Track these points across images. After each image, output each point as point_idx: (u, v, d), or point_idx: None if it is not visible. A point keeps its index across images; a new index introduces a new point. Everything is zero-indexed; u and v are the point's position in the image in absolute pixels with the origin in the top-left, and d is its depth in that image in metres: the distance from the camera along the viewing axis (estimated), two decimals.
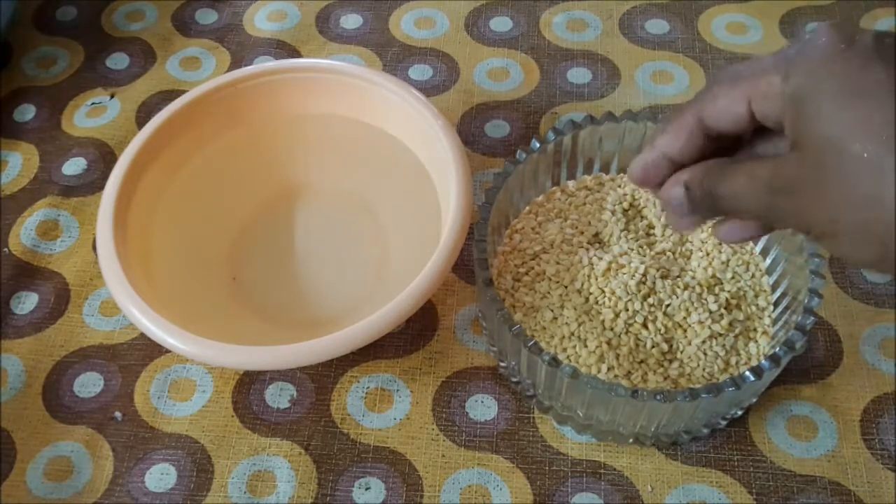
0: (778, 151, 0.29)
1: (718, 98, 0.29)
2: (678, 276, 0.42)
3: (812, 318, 0.37)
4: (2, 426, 0.43)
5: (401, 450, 0.42)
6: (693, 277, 0.42)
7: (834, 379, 0.43)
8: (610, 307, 0.41)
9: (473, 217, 0.41)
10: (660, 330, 0.40)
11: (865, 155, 0.24)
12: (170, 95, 0.56)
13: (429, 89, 0.56)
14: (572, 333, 0.40)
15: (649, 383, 0.39)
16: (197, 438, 0.42)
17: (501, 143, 0.53)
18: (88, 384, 0.44)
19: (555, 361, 0.36)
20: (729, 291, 0.41)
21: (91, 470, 0.42)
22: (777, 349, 0.36)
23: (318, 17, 0.61)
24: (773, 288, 0.42)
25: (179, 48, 0.60)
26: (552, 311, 0.41)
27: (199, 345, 0.37)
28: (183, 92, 0.48)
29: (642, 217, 0.45)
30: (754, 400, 0.40)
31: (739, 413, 0.41)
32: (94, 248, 0.47)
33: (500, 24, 0.60)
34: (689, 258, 0.43)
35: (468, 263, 0.48)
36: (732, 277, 0.42)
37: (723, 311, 0.41)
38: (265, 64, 0.49)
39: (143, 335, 0.43)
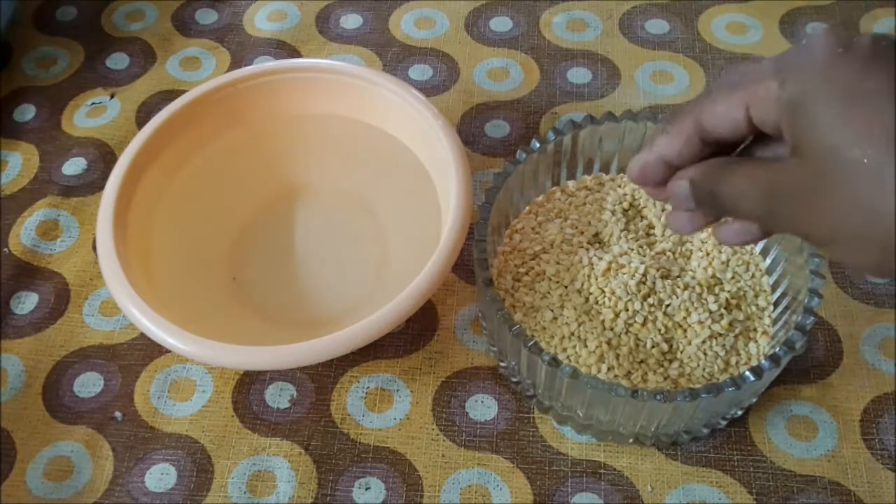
0: (777, 157, 0.29)
1: (717, 104, 0.29)
2: (678, 276, 0.42)
3: (812, 318, 0.37)
4: (2, 426, 0.43)
5: (401, 450, 0.42)
6: (693, 277, 0.42)
7: (834, 379, 0.43)
8: (610, 307, 0.41)
9: (473, 217, 0.41)
10: (660, 330, 0.40)
11: (865, 161, 0.24)
12: (170, 95, 0.56)
13: (429, 89, 0.56)
14: (572, 333, 0.40)
15: (649, 383, 0.39)
16: (197, 438, 0.42)
17: (501, 143, 0.53)
18: (88, 384, 0.44)
19: (555, 361, 0.36)
20: (729, 291, 0.41)
21: (91, 470, 0.42)
22: (777, 349, 0.36)
23: (318, 17, 0.61)
24: (773, 288, 0.42)
25: (179, 48, 0.60)
26: (552, 311, 0.41)
27: (199, 345, 0.37)
28: (183, 92, 0.48)
29: (642, 217, 0.45)
30: (754, 400, 0.40)
31: (739, 413, 0.41)
32: (94, 248, 0.47)
33: (500, 24, 0.60)
34: (689, 258, 0.43)
35: (468, 263, 0.48)
36: (732, 277, 0.42)
37: (723, 311, 0.41)
38: (265, 64, 0.49)
39: (143, 335, 0.43)
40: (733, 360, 0.40)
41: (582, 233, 0.44)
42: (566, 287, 0.42)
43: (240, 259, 0.48)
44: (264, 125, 0.49)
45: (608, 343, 0.40)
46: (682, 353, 0.40)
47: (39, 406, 0.44)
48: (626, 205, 0.45)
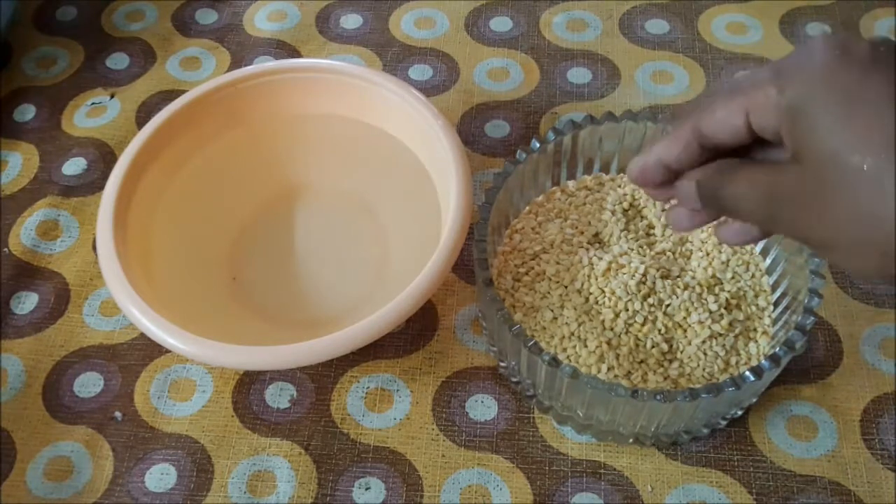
0: (778, 161, 0.29)
1: (716, 110, 0.29)
2: (678, 276, 0.42)
3: (812, 318, 0.37)
4: (2, 426, 0.43)
5: (401, 450, 0.42)
6: (693, 277, 0.42)
7: (834, 379, 0.43)
8: (610, 307, 0.41)
9: (473, 217, 0.41)
10: (660, 330, 0.40)
11: (865, 168, 0.24)
12: (170, 95, 0.56)
13: (429, 89, 0.56)
14: (572, 333, 0.40)
15: (649, 383, 0.39)
16: (197, 438, 0.42)
17: (501, 143, 0.53)
18: (88, 384, 0.44)
19: (555, 361, 0.36)
20: (729, 291, 0.41)
21: (91, 470, 0.42)
22: (777, 349, 0.36)
23: (318, 17, 0.61)
24: (773, 288, 0.42)
25: (179, 48, 0.60)
26: (552, 311, 0.41)
27: (199, 345, 0.37)
28: (183, 92, 0.48)
29: (642, 217, 0.45)
30: (754, 400, 0.40)
31: (739, 413, 0.41)
32: (94, 248, 0.47)
33: (500, 24, 0.60)
34: (689, 258, 0.43)
35: (468, 263, 0.48)
36: (732, 277, 0.42)
37: (723, 311, 0.41)
38: (265, 64, 0.49)
39: (143, 335, 0.43)
40: (733, 360, 0.40)
41: (582, 233, 0.44)
42: (566, 287, 0.42)
43: (240, 259, 0.48)
44: (264, 125, 0.49)
45: (608, 343, 0.40)
46: (682, 353, 0.40)
47: (39, 406, 0.44)
48: (626, 205, 0.45)
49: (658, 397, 0.35)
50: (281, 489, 0.41)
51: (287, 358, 0.37)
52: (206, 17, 0.62)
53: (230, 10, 0.62)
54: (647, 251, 0.43)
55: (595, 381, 0.35)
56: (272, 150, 0.50)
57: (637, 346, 0.40)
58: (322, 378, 0.44)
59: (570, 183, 0.47)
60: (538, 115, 0.54)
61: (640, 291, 0.41)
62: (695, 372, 0.40)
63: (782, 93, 0.26)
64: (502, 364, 0.42)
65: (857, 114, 0.24)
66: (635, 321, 0.40)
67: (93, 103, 0.56)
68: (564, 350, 0.40)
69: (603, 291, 0.41)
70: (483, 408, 0.43)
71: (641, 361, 0.40)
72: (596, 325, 0.40)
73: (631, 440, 0.40)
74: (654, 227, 0.45)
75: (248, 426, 0.43)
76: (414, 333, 0.45)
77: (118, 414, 0.43)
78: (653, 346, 0.40)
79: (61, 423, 0.43)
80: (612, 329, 0.40)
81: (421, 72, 0.57)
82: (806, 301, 0.37)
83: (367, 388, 0.44)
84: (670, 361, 0.40)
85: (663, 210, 0.44)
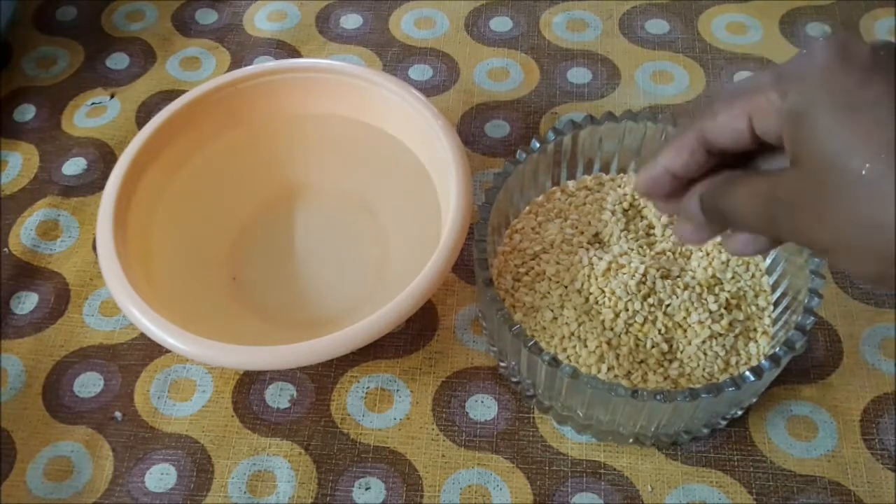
0: (780, 169, 0.29)
1: (718, 114, 0.29)
2: (678, 276, 0.42)
3: (812, 318, 0.37)
4: (2, 426, 0.43)
5: (401, 450, 0.42)
6: (693, 277, 0.42)
7: (834, 379, 0.43)
8: (610, 307, 0.41)
9: (473, 217, 0.41)
10: (660, 330, 0.40)
11: (864, 173, 0.24)
12: (170, 95, 0.56)
13: (429, 89, 0.56)
14: (572, 333, 0.40)
15: (649, 383, 0.39)
16: (197, 438, 0.42)
17: (501, 143, 0.53)
18: (88, 384, 0.44)
19: (555, 361, 0.36)
20: (729, 291, 0.41)
21: (91, 470, 0.42)
22: (777, 349, 0.36)
23: (318, 17, 0.61)
24: (773, 288, 0.42)
25: (179, 48, 0.60)
26: (552, 311, 0.41)
27: (199, 345, 0.37)
28: (183, 92, 0.48)
29: (642, 217, 0.45)
30: (754, 400, 0.40)
31: (739, 413, 0.41)
32: (94, 248, 0.47)
33: (500, 24, 0.60)
34: (689, 258, 0.43)
35: (468, 263, 0.48)
36: (732, 277, 0.42)
37: (723, 311, 0.41)
38: (265, 64, 0.49)
39: (143, 335, 0.43)
40: (733, 360, 0.40)
41: (582, 233, 0.44)
42: (566, 287, 0.42)
43: (240, 259, 0.48)
44: (264, 125, 0.49)
45: (608, 343, 0.40)
46: (682, 353, 0.40)
47: (39, 406, 0.44)
48: (626, 205, 0.45)
49: (658, 397, 0.35)
50: (281, 489, 0.41)
51: (287, 358, 0.37)
52: (206, 17, 0.62)
53: (230, 10, 0.62)
54: (647, 251, 0.43)
55: (595, 381, 0.35)
56: (272, 150, 0.50)
57: (637, 346, 0.40)
58: (322, 378, 0.44)
59: (570, 183, 0.47)
60: (538, 115, 0.54)
61: (640, 291, 0.41)
62: (695, 372, 0.40)
63: (784, 97, 0.26)
64: (502, 364, 0.42)
65: (858, 118, 0.24)
66: (635, 321, 0.40)
67: (93, 103, 0.56)
68: (564, 350, 0.40)
69: (603, 291, 0.41)
70: (483, 408, 0.43)
71: (641, 361, 0.40)
72: (596, 325, 0.40)
73: (631, 440, 0.40)
74: (654, 227, 0.45)
75: (248, 426, 0.43)
76: (414, 333, 0.45)
77: (118, 414, 0.43)
78: (653, 346, 0.40)
79: (61, 423, 0.43)
80: (612, 329, 0.40)
81: (421, 72, 0.57)
82: (806, 301, 0.37)
83: (367, 388, 0.44)
84: (670, 361, 0.40)
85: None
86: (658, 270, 0.41)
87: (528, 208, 0.46)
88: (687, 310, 0.40)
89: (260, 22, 0.61)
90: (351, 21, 0.61)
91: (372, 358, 0.45)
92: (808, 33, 0.58)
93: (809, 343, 0.44)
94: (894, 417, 0.42)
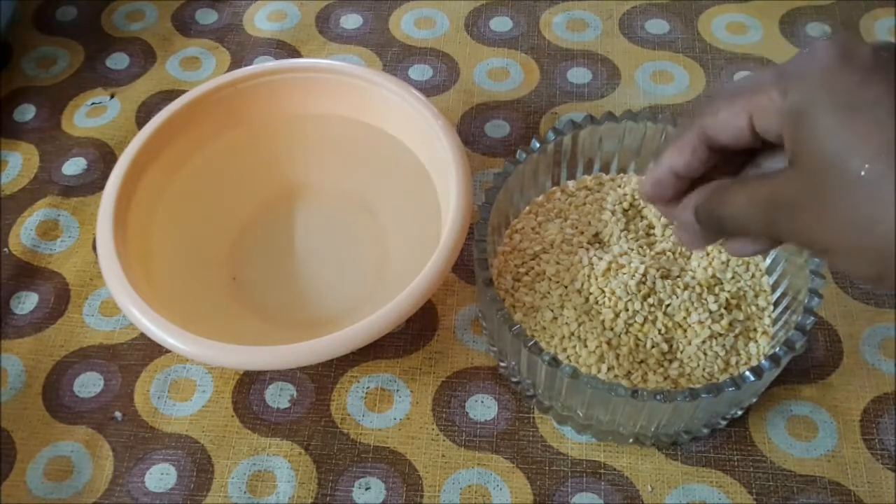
0: (777, 170, 0.29)
1: (720, 112, 0.29)
2: (678, 276, 0.42)
3: (812, 318, 0.37)
4: (2, 426, 0.43)
5: (401, 450, 0.42)
6: (693, 277, 0.42)
7: (834, 379, 0.43)
8: (610, 307, 0.41)
9: (473, 217, 0.41)
10: (660, 330, 0.40)
11: (863, 174, 0.24)
12: (170, 95, 0.56)
13: (429, 89, 0.56)
14: (572, 333, 0.40)
15: (649, 383, 0.39)
16: (197, 438, 0.42)
17: (501, 143, 0.53)
18: (88, 384, 0.44)
19: (555, 361, 0.36)
20: (729, 291, 0.41)
21: (91, 470, 0.42)
22: (777, 349, 0.36)
23: (318, 17, 0.61)
24: (773, 288, 0.42)
25: (179, 48, 0.60)
26: (552, 311, 0.41)
27: (199, 345, 0.37)
28: (183, 92, 0.48)
29: (642, 217, 0.45)
30: (754, 400, 0.40)
31: (739, 413, 0.41)
32: (94, 248, 0.47)
33: (500, 24, 0.60)
34: (689, 258, 0.43)
35: (468, 263, 0.48)
36: (732, 277, 0.42)
37: (723, 311, 0.41)
38: (265, 64, 0.49)
39: (143, 335, 0.43)
40: (733, 360, 0.40)
41: (582, 233, 0.44)
42: (566, 287, 0.42)
43: (240, 259, 0.48)
44: (264, 125, 0.49)
45: (608, 343, 0.40)
46: (682, 353, 0.40)
47: (39, 406, 0.44)
48: (626, 205, 0.45)
49: (658, 397, 0.35)
50: (281, 489, 0.41)
51: (287, 358, 0.37)
52: (206, 17, 0.62)
53: (230, 10, 0.62)
54: (647, 251, 0.43)
55: (595, 381, 0.35)
56: (272, 150, 0.50)
57: (637, 346, 0.40)
58: (322, 378, 0.44)
59: (570, 183, 0.47)
60: (538, 115, 0.54)
61: (640, 291, 0.41)
62: (695, 372, 0.40)
63: (785, 96, 0.26)
64: (502, 364, 0.42)
65: (858, 118, 0.24)
66: (635, 321, 0.40)
67: (93, 103, 0.56)
68: (564, 350, 0.40)
69: (603, 291, 0.41)
70: (483, 408, 0.43)
71: (641, 361, 0.40)
72: (596, 325, 0.40)
73: (631, 440, 0.40)
74: (654, 227, 0.45)
75: (248, 426, 0.43)
76: (414, 333, 0.45)
77: (118, 414, 0.43)
78: (653, 346, 0.40)
79: (61, 423, 0.43)
80: (612, 329, 0.40)
81: (421, 72, 0.57)
82: (806, 301, 0.37)
83: (367, 388, 0.44)
84: (670, 361, 0.40)
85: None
86: (658, 270, 0.41)
87: (528, 208, 0.46)
88: (687, 310, 0.40)
89: (260, 22, 0.61)
90: (351, 21, 0.61)
91: (372, 358, 0.45)
92: (808, 33, 0.58)
93: (809, 343, 0.44)
94: (894, 417, 0.42)
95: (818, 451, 0.41)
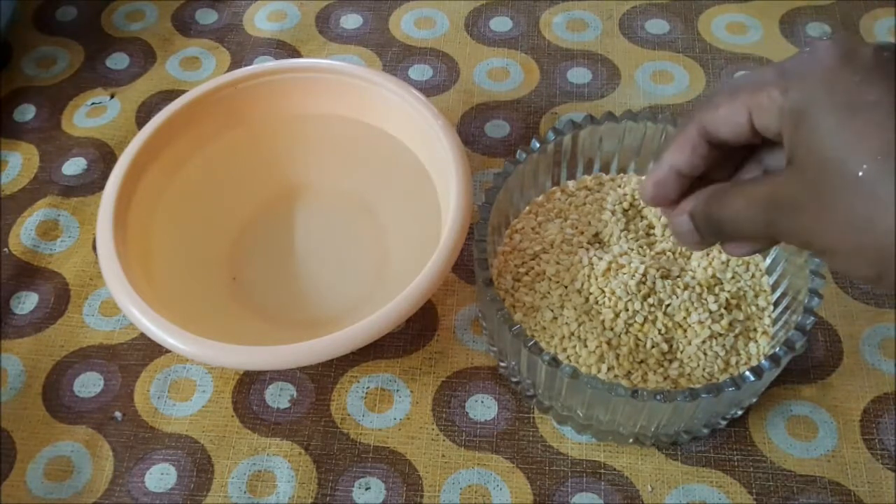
0: (775, 171, 0.29)
1: (719, 107, 0.29)
2: (678, 276, 0.42)
3: (812, 318, 0.37)
4: (2, 426, 0.43)
5: (401, 450, 0.42)
6: (693, 277, 0.42)
7: (834, 379, 0.43)
8: (610, 307, 0.41)
9: (473, 217, 0.41)
10: (660, 330, 0.40)
11: (860, 174, 0.24)
12: (170, 95, 0.56)
13: (429, 89, 0.56)
14: (572, 333, 0.40)
15: (649, 383, 0.39)
16: (197, 438, 0.42)
17: (501, 143, 0.53)
18: (88, 384, 0.44)
19: (555, 361, 0.36)
20: (729, 291, 0.41)
21: (91, 470, 0.42)
22: (777, 349, 0.36)
23: (318, 17, 0.61)
24: (773, 288, 0.42)
25: (179, 48, 0.60)
26: (552, 311, 0.41)
27: (199, 345, 0.37)
28: (183, 92, 0.48)
29: (642, 217, 0.45)
30: (754, 400, 0.40)
31: (739, 413, 0.41)
32: (94, 248, 0.47)
33: (500, 24, 0.60)
34: (689, 258, 0.43)
35: (468, 263, 0.48)
36: (732, 277, 0.42)
37: (723, 311, 0.41)
38: (265, 64, 0.49)
39: (143, 335, 0.43)
40: (733, 360, 0.40)
41: (582, 233, 0.44)
42: (566, 287, 0.42)
43: (240, 259, 0.48)
44: (264, 125, 0.49)
45: (608, 343, 0.40)
46: (682, 353, 0.40)
47: (39, 406, 0.44)
48: (626, 205, 0.45)
49: (658, 397, 0.35)
50: (281, 489, 0.41)
51: (287, 358, 0.37)
52: (206, 17, 0.62)
53: (230, 10, 0.62)
54: (647, 251, 0.43)
55: (595, 381, 0.35)
56: (272, 150, 0.50)
57: (637, 346, 0.40)
58: (322, 378, 0.44)
59: (570, 183, 0.47)
60: (538, 115, 0.54)
61: (640, 291, 0.41)
62: (695, 372, 0.40)
63: (785, 95, 0.26)
64: (502, 364, 0.42)
65: (857, 119, 0.24)
66: (635, 321, 0.40)
67: (93, 103, 0.56)
68: (564, 350, 0.40)
69: (603, 291, 0.41)
70: (483, 408, 0.43)
71: (641, 361, 0.40)
72: (596, 325, 0.40)
73: (631, 440, 0.40)
74: (654, 227, 0.45)
75: (248, 426, 0.43)
76: (414, 333, 0.45)
77: (118, 414, 0.43)
78: (653, 346, 0.40)
79: (61, 423, 0.43)
80: (612, 329, 0.40)
81: (421, 72, 0.57)
82: (806, 301, 0.37)
83: (367, 388, 0.44)
84: (670, 361, 0.40)
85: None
86: (658, 270, 0.41)
87: (528, 208, 0.46)
88: (687, 310, 0.40)
89: (260, 22, 0.61)
90: (351, 21, 0.61)
91: (372, 358, 0.45)
92: (808, 33, 0.58)
93: (809, 343, 0.44)
94: (894, 417, 0.42)
95: (818, 451, 0.41)
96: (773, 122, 0.27)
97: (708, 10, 0.60)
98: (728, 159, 0.31)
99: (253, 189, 0.50)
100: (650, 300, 0.40)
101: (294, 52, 0.59)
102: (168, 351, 0.44)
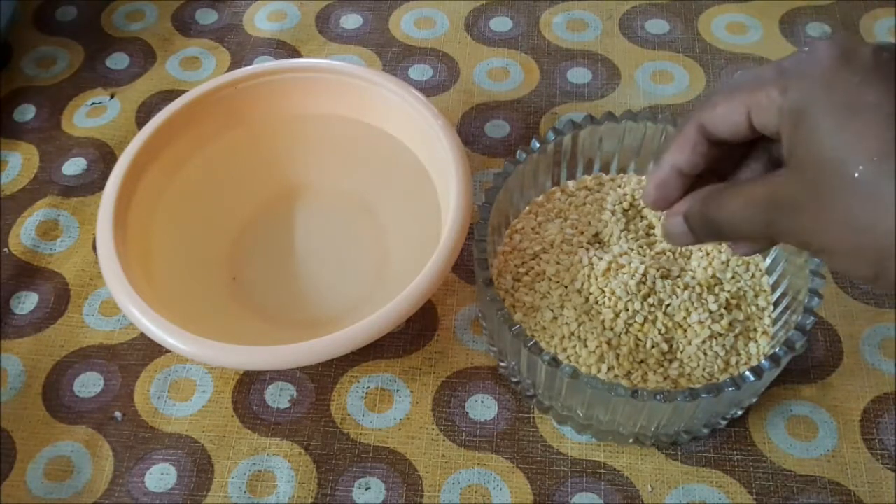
0: (773, 172, 0.29)
1: (718, 106, 0.29)
2: (678, 276, 0.42)
3: (812, 318, 0.37)
4: (2, 426, 0.43)
5: (401, 450, 0.42)
6: (693, 277, 0.42)
7: (834, 379, 0.43)
8: (610, 307, 0.41)
9: (473, 217, 0.41)
10: (660, 330, 0.40)
11: (857, 175, 0.24)
12: (170, 95, 0.56)
13: (429, 89, 0.56)
14: (572, 333, 0.40)
15: (649, 383, 0.39)
16: (197, 438, 0.42)
17: (501, 143, 0.53)
18: (88, 384, 0.44)
19: (555, 361, 0.36)
20: (729, 291, 0.41)
21: (91, 470, 0.42)
22: (777, 349, 0.36)
23: (318, 17, 0.61)
24: (773, 288, 0.42)
25: (179, 48, 0.60)
26: (552, 311, 0.41)
27: (199, 345, 0.37)
28: (183, 92, 0.48)
29: (642, 217, 0.45)
30: (754, 400, 0.40)
31: (739, 413, 0.41)
32: (94, 248, 0.47)
33: (500, 24, 0.60)
34: (689, 258, 0.43)
35: (468, 263, 0.48)
36: (732, 277, 0.42)
37: (723, 311, 0.41)
38: (265, 64, 0.49)
39: (143, 335, 0.43)
40: (733, 360, 0.40)
41: (582, 233, 0.44)
42: (566, 287, 0.42)
43: (240, 259, 0.48)
44: (264, 125, 0.49)
45: (608, 343, 0.40)
46: (682, 353, 0.40)
47: (39, 406, 0.44)
48: (626, 205, 0.45)
49: (658, 397, 0.35)
50: (281, 489, 0.41)
51: (287, 358, 0.37)
52: (206, 17, 0.62)
53: (230, 10, 0.62)
54: (647, 251, 0.43)
55: (595, 381, 0.35)
56: (272, 150, 0.50)
57: (637, 346, 0.40)
58: (322, 378, 0.44)
59: (570, 183, 0.47)
60: (538, 115, 0.54)
61: (640, 291, 0.41)
62: (695, 372, 0.40)
63: (784, 94, 0.26)
64: (502, 364, 0.42)
65: (856, 120, 0.24)
66: (635, 321, 0.40)
67: (93, 103, 0.56)
68: (564, 350, 0.40)
69: (603, 291, 0.41)
70: (483, 408, 0.43)
71: (641, 361, 0.40)
72: (596, 325, 0.40)
73: (631, 440, 0.40)
74: (654, 227, 0.45)
75: (248, 426, 0.43)
76: (414, 333, 0.45)
77: (118, 414, 0.43)
78: (653, 346, 0.40)
79: (61, 423, 0.43)
80: (612, 329, 0.40)
81: (421, 72, 0.57)
82: (806, 301, 0.37)
83: (367, 388, 0.44)
84: (670, 361, 0.40)
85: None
86: (658, 270, 0.41)
87: (528, 208, 0.46)
88: (687, 310, 0.40)
89: (260, 22, 0.61)
90: (351, 21, 0.61)
91: (372, 358, 0.45)
92: (808, 33, 0.58)
93: (809, 343, 0.44)
94: (894, 417, 0.42)
95: (818, 451, 0.41)
96: (772, 121, 0.27)
97: (708, 10, 0.60)
98: (728, 157, 0.31)
99: (253, 189, 0.50)
100: (650, 300, 0.40)
101: (294, 52, 0.59)
102: (168, 351, 0.44)
